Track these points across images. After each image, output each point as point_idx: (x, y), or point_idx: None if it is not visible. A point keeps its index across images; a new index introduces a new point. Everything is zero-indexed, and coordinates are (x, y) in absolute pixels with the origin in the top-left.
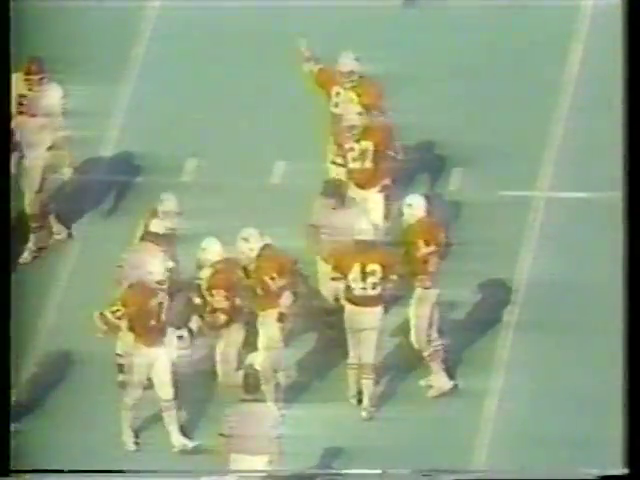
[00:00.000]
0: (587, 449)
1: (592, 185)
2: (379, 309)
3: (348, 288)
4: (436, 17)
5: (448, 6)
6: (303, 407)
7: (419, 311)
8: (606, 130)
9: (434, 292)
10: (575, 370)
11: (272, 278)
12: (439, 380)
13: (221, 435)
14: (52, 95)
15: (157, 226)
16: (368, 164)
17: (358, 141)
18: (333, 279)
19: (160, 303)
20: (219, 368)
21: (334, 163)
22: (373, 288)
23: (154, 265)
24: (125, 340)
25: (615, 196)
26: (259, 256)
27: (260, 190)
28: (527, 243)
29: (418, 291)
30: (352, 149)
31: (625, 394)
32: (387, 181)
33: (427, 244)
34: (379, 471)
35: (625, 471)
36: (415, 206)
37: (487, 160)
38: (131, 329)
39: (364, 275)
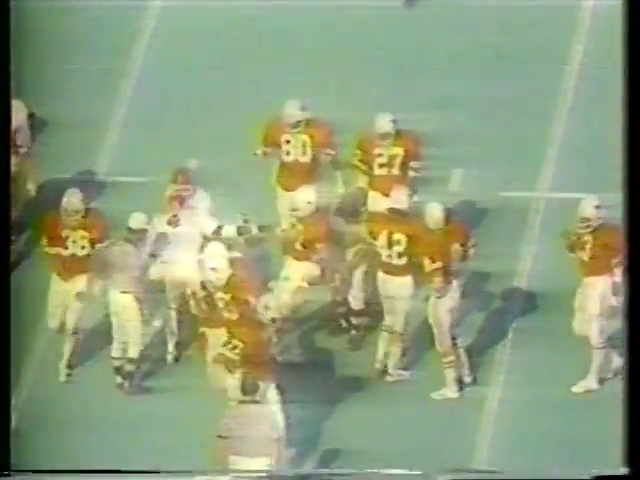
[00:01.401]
0: (587, 449)
1: (592, 186)
2: (408, 279)
3: (379, 254)
4: (436, 17)
5: (448, 6)
6: (306, 407)
7: (436, 318)
8: (606, 131)
9: (446, 300)
10: (574, 370)
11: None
12: (448, 388)
13: (219, 437)
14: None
15: (134, 221)
16: (395, 171)
17: (387, 147)
18: (367, 243)
19: (269, 337)
20: (209, 371)
21: (356, 167)
22: (399, 257)
23: (132, 266)
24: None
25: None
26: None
27: (260, 190)
28: (527, 244)
29: (431, 299)
30: (380, 155)
31: (625, 394)
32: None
33: (433, 261)
34: (379, 471)
35: (625, 471)
36: (431, 215)
37: (487, 161)
38: (244, 364)
39: (390, 243)
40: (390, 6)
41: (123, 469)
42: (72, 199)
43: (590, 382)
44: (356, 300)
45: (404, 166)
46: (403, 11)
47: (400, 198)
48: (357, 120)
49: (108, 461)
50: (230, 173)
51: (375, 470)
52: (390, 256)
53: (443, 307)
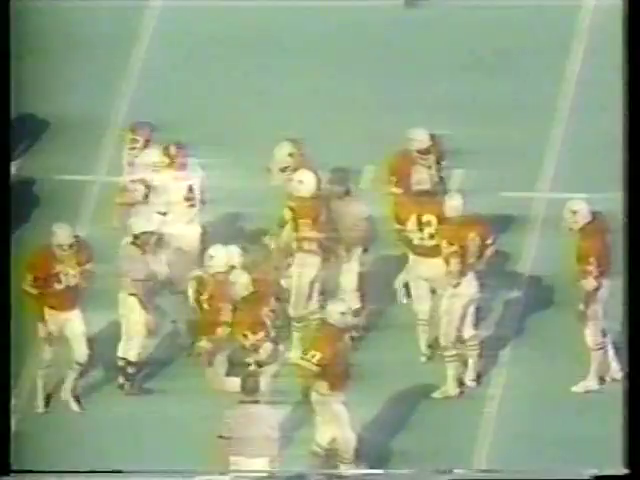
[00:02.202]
0: (587, 449)
1: (593, 186)
2: (440, 260)
3: (408, 238)
4: (437, 17)
5: (449, 7)
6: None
7: (449, 309)
8: (607, 131)
9: (462, 291)
10: (575, 371)
11: (245, 335)
12: (448, 384)
13: (220, 437)
14: None
15: (137, 226)
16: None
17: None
18: (394, 230)
19: (346, 344)
20: (207, 372)
21: (391, 194)
22: (430, 238)
23: (136, 271)
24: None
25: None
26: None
27: (262, 192)
28: (528, 244)
29: (449, 289)
30: (420, 172)
31: (625, 394)
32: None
33: (450, 243)
34: (379, 471)
35: (625, 471)
36: (450, 204)
37: (488, 161)
38: (323, 376)
39: (420, 225)
40: (391, 6)
41: (123, 469)
42: (63, 233)
43: (590, 382)
44: (352, 299)
45: (437, 170)
46: (404, 11)
47: (422, 179)
48: (357, 121)
49: (109, 461)
50: (230, 170)
51: (376, 470)
52: (422, 238)
53: (459, 301)
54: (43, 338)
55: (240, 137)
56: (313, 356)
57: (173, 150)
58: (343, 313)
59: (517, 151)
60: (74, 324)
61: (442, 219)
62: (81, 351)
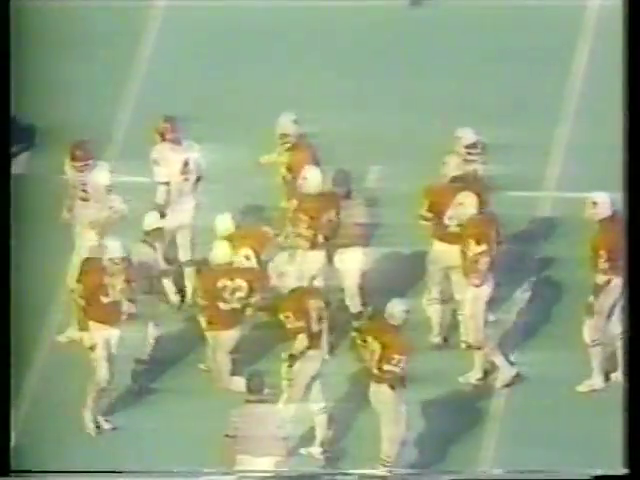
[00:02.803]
0: (587, 449)
1: (598, 185)
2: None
3: (441, 226)
4: (442, 17)
5: (454, 7)
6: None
7: (473, 310)
8: (612, 130)
9: (485, 290)
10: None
11: (287, 317)
12: (503, 370)
13: (227, 436)
14: None
15: (146, 223)
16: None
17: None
18: (426, 219)
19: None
20: (213, 372)
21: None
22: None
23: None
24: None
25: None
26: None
27: (265, 190)
28: (533, 243)
29: (470, 290)
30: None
31: (625, 394)
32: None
33: (478, 243)
34: (380, 471)
35: (625, 471)
36: (467, 204)
37: (493, 161)
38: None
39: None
40: (396, 6)
41: (127, 469)
42: (116, 248)
43: (594, 380)
44: (354, 303)
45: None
46: (409, 11)
47: (456, 165)
48: (361, 120)
49: (111, 461)
50: (234, 174)
51: (379, 470)
52: (460, 225)
53: (480, 299)
54: (88, 348)
55: (242, 136)
56: (399, 361)
57: (162, 125)
58: (405, 311)
59: (522, 150)
60: (110, 343)
61: (482, 201)
62: (102, 374)
